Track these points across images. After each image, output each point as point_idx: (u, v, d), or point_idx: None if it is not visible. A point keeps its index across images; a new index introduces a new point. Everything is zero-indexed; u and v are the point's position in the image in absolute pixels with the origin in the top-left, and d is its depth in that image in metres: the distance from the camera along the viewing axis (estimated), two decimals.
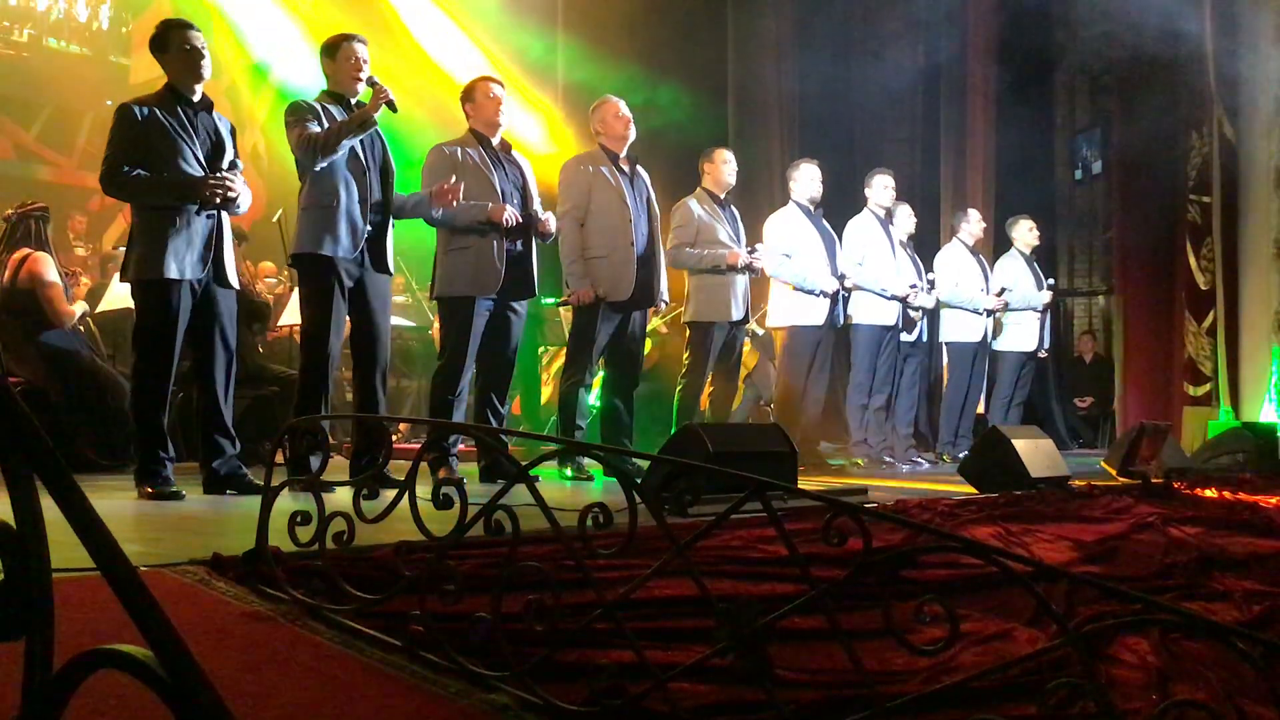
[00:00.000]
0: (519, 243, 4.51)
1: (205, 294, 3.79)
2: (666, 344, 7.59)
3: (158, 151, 3.71)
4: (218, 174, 3.78)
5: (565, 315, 6.69)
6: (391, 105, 4.05)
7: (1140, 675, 1.53)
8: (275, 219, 6.81)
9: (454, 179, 4.30)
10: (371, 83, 4.12)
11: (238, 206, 3.89)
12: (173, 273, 3.67)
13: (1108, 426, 9.49)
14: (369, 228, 4.07)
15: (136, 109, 3.72)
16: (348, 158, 4.03)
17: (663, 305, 5.36)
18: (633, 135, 5.00)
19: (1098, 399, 9.82)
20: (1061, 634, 1.20)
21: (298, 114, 4.05)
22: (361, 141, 4.06)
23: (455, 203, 4.26)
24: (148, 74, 9.74)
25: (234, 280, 3.92)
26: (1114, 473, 5.18)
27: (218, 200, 3.74)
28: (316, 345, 4.02)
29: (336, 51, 4.20)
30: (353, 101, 4.18)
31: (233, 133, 4.00)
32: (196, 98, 3.85)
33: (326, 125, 4.01)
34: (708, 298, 5.41)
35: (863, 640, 1.53)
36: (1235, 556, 2.64)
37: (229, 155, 3.89)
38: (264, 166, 9.93)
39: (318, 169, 3.97)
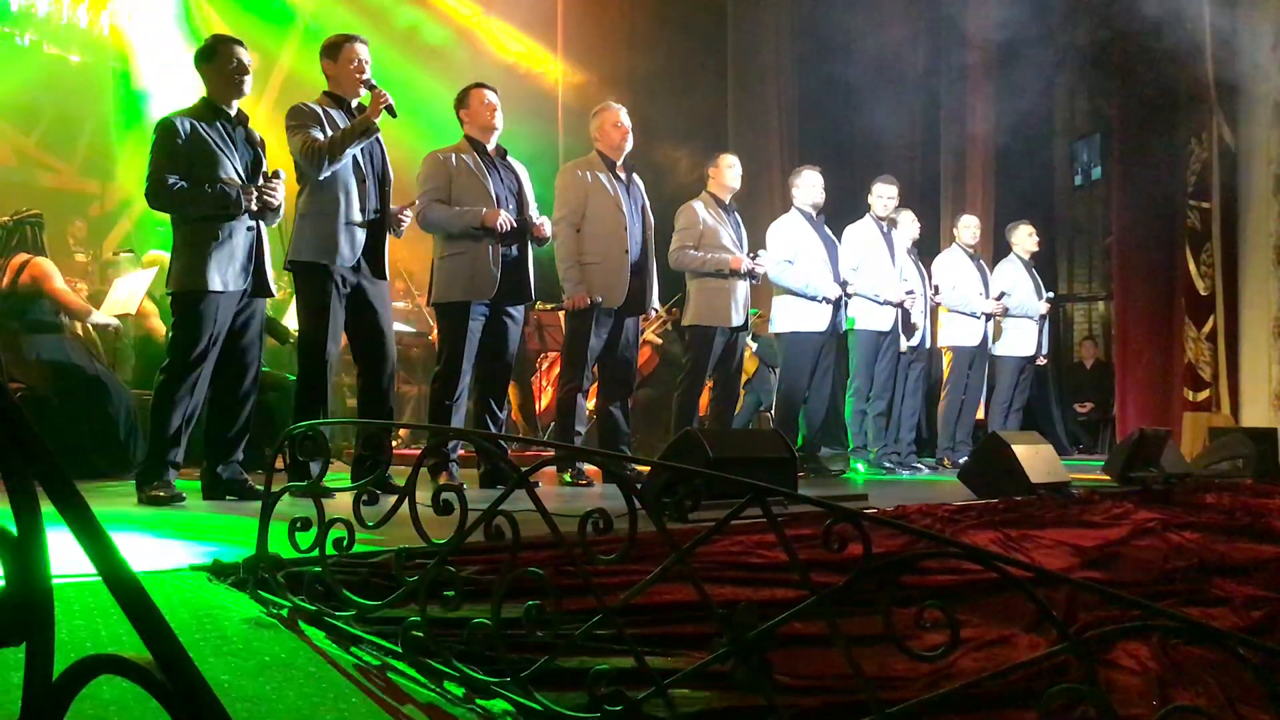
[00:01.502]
0: (514, 247, 4.51)
1: (242, 303, 3.81)
2: (666, 350, 7.60)
3: (200, 165, 3.71)
4: (261, 182, 3.80)
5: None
6: (391, 110, 4.02)
7: (1140, 681, 1.53)
8: (274, 225, 6.81)
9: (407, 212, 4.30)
10: (370, 86, 4.07)
11: (277, 215, 3.92)
12: (216, 285, 3.68)
13: (1108, 432, 9.50)
14: (366, 235, 4.07)
15: (178, 122, 3.72)
16: (349, 165, 4.03)
17: (653, 313, 5.36)
18: (630, 144, 5.01)
19: (1098, 404, 9.82)
20: (1062, 639, 1.20)
21: (300, 119, 4.03)
22: (361, 149, 4.05)
23: (403, 223, 4.24)
24: (149, 79, 9.76)
25: (273, 289, 3.97)
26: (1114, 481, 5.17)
27: (257, 208, 3.76)
28: (315, 353, 4.02)
29: (338, 53, 4.16)
30: (353, 104, 4.17)
31: (263, 146, 4.01)
32: (234, 112, 3.86)
33: (329, 130, 4.01)
34: (708, 302, 5.42)
35: (863, 646, 1.53)
36: (1235, 562, 2.64)
37: (264, 168, 3.92)
38: (276, 171, 9.94)
39: (321, 178, 3.98)
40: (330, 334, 4.00)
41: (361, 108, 4.09)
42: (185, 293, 3.71)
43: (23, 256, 4.94)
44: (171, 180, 3.66)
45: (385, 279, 4.27)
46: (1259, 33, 7.67)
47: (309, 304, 4.05)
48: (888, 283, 6.24)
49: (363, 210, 4.06)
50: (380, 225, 4.16)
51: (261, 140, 4.02)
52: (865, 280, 6.20)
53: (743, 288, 5.47)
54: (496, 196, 4.48)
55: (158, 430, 3.70)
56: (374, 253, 4.13)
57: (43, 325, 4.94)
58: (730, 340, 5.48)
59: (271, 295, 3.95)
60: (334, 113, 4.09)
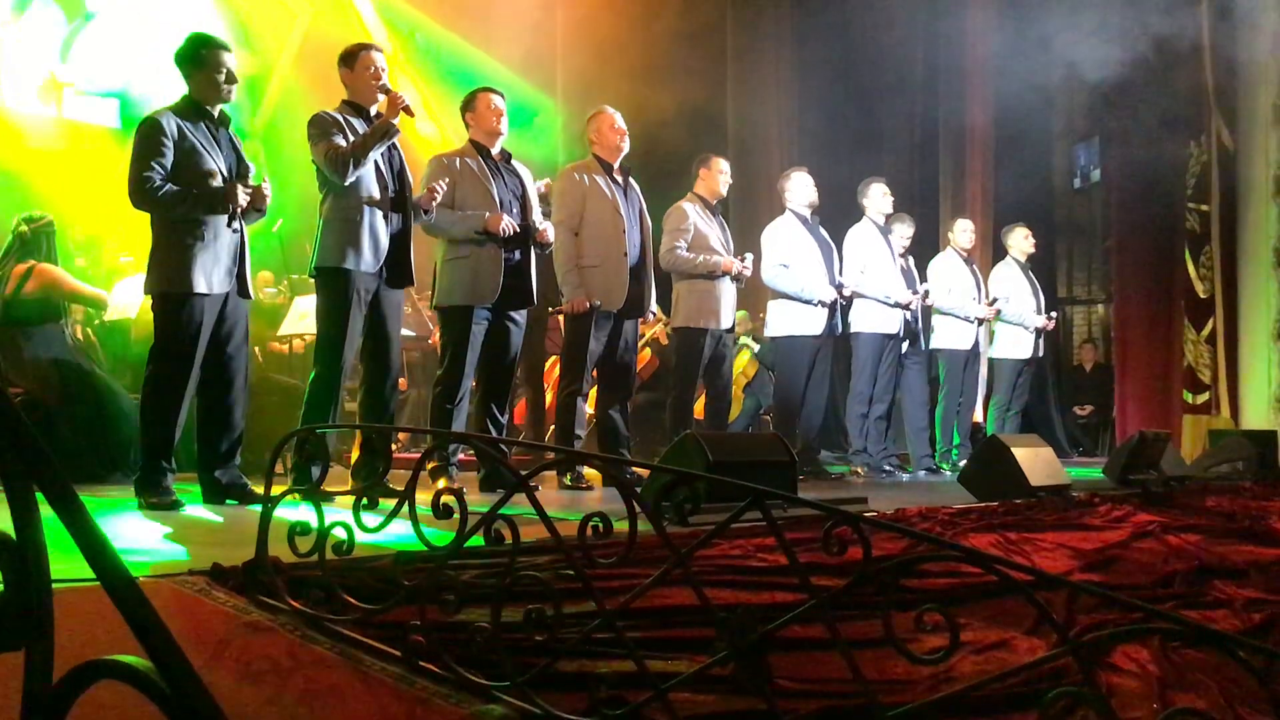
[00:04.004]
0: (517, 252, 4.52)
1: (226, 306, 3.79)
2: (666, 352, 7.60)
3: (185, 164, 3.67)
4: (248, 183, 3.78)
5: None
6: (409, 110, 4.05)
7: (1140, 684, 1.53)
8: (275, 229, 6.81)
9: (444, 182, 4.32)
10: (385, 90, 4.11)
11: (260, 215, 3.91)
12: (201, 287, 3.65)
13: (1107, 435, 9.50)
14: (389, 240, 4.08)
15: (164, 121, 3.68)
16: (371, 170, 4.04)
17: (651, 316, 5.35)
18: (627, 147, 5.01)
19: (1097, 407, 9.82)
20: (1061, 642, 1.20)
21: (322, 127, 4.03)
22: (381, 153, 4.07)
23: (437, 195, 4.26)
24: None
25: (252, 291, 3.94)
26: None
27: (244, 204, 3.73)
28: (331, 358, 4.01)
29: (355, 61, 4.18)
30: (372, 111, 4.18)
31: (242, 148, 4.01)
32: (217, 113, 3.84)
33: (350, 138, 4.02)
34: (697, 304, 5.41)
35: (863, 649, 1.53)
36: (1235, 565, 2.65)
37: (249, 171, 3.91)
38: (263, 176, 9.93)
39: (346, 182, 3.98)
40: (348, 341, 4.00)
41: (381, 115, 4.11)
42: (169, 294, 3.68)
43: (29, 263, 4.94)
44: (158, 180, 3.62)
45: (411, 283, 4.29)
46: (1258, 34, 7.68)
47: (330, 309, 4.04)
48: (894, 285, 6.23)
49: (386, 215, 4.07)
50: (405, 231, 4.18)
51: (240, 144, 4.01)
52: (873, 282, 6.18)
53: (730, 290, 5.48)
54: (500, 201, 4.49)
55: (149, 436, 3.68)
56: (397, 257, 4.13)
57: (44, 330, 4.94)
58: (719, 342, 5.48)
59: (249, 297, 3.92)
60: (354, 120, 4.11)
